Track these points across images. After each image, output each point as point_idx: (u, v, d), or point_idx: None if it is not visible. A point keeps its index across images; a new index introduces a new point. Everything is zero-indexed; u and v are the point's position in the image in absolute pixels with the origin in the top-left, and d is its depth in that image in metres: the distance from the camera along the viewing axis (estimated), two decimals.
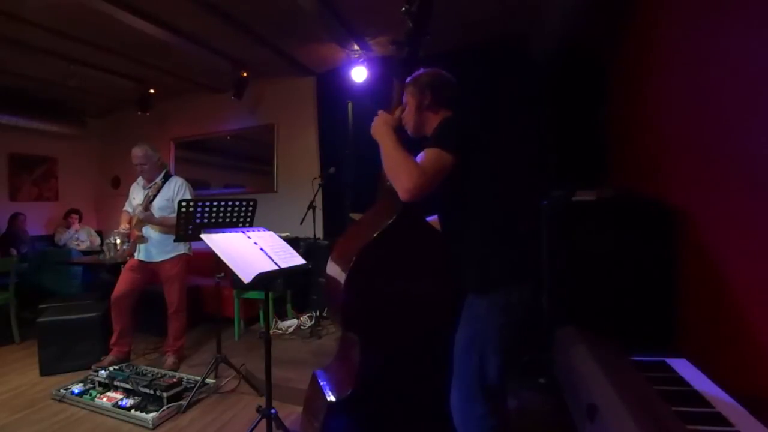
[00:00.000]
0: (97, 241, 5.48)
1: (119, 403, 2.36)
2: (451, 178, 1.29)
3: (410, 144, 1.37)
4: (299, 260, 1.94)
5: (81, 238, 5.45)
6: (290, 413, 2.29)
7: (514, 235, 1.42)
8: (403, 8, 1.36)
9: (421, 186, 1.21)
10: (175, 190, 2.99)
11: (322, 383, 1.59)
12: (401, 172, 1.24)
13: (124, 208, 3.15)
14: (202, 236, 1.82)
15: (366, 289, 1.42)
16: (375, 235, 1.43)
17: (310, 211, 3.76)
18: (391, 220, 1.45)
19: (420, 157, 1.27)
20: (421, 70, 1.50)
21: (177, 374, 2.66)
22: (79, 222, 5.58)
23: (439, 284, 1.49)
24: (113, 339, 2.97)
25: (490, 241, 1.37)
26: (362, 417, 1.48)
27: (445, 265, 1.45)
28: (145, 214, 2.88)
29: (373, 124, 1.42)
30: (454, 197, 1.40)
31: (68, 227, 5.48)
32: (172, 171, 3.27)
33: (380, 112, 1.44)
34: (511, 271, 1.36)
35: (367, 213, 1.72)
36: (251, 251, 1.83)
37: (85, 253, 4.94)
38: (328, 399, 1.49)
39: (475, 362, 1.33)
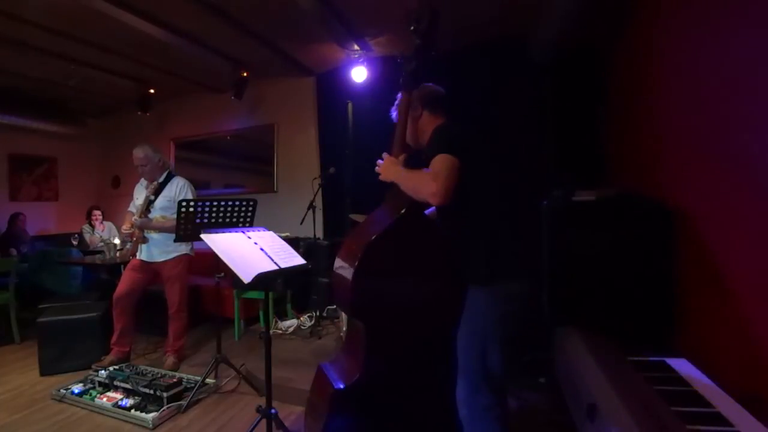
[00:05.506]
0: (97, 240, 5.43)
1: (119, 403, 2.36)
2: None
3: (419, 162, 1.47)
4: (299, 260, 1.94)
5: (104, 235, 4.98)
6: (290, 413, 2.29)
7: (513, 232, 1.47)
8: (412, 27, 1.42)
9: (440, 188, 1.30)
10: (177, 190, 2.98)
11: (328, 373, 1.62)
12: (421, 186, 1.38)
13: (129, 209, 3.15)
14: (202, 236, 1.83)
15: (374, 281, 1.47)
16: (383, 230, 1.49)
17: (310, 211, 3.75)
18: (398, 217, 1.52)
19: (430, 168, 1.37)
20: None
21: (177, 374, 2.66)
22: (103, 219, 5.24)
23: (443, 279, 1.54)
24: (114, 338, 2.97)
25: (489, 238, 1.43)
26: (368, 406, 1.50)
27: (448, 261, 1.50)
28: (140, 221, 2.87)
29: (381, 169, 1.53)
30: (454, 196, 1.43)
31: (93, 226, 5.12)
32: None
33: (384, 155, 1.54)
34: (511, 265, 1.42)
35: (372, 213, 1.75)
36: (251, 251, 1.83)
37: (85, 253, 4.93)
38: (336, 387, 1.51)
39: (477, 354, 1.39)
